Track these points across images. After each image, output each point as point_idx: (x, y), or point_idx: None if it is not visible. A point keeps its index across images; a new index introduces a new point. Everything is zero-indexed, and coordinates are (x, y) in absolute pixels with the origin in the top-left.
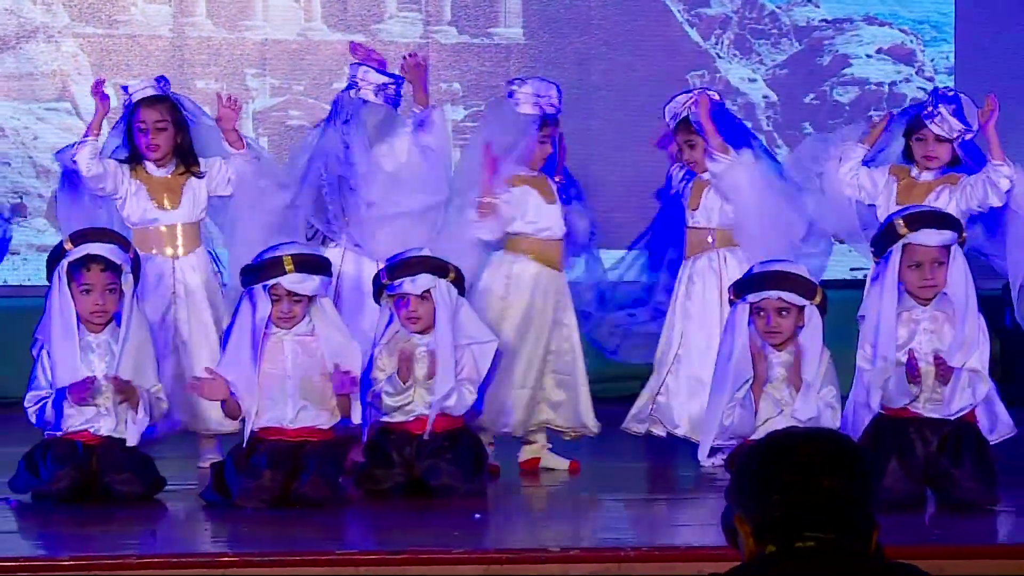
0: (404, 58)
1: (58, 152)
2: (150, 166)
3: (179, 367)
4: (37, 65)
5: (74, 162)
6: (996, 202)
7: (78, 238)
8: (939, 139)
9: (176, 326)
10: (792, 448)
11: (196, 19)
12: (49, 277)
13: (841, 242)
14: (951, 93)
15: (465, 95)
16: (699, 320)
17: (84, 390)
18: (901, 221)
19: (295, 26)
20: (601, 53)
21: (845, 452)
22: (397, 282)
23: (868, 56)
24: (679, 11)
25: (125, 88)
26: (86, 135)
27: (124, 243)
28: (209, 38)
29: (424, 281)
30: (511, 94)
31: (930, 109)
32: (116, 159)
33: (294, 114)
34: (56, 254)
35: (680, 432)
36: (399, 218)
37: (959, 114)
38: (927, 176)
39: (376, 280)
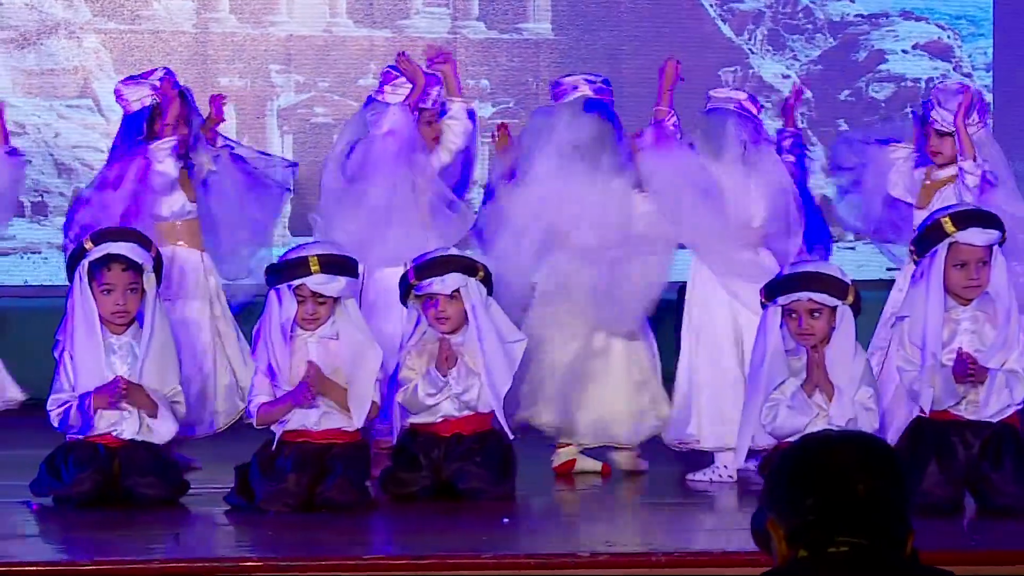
0: (397, 57)
1: (148, 144)
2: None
3: (220, 363)
4: (58, 61)
5: (160, 161)
6: (970, 198)
7: (98, 237)
8: (939, 133)
9: (214, 323)
10: (826, 451)
11: (220, 14)
12: (70, 277)
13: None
14: (955, 86)
15: (493, 92)
16: (695, 320)
17: (112, 393)
18: (948, 219)
19: (320, 21)
20: (631, 48)
21: (880, 455)
22: (426, 282)
23: (904, 52)
24: (711, 6)
25: (137, 79)
26: (161, 134)
27: (146, 242)
28: (233, 33)
29: (454, 280)
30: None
31: (930, 103)
32: None
33: (319, 111)
34: (76, 254)
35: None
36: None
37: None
38: (940, 173)
39: (403, 281)
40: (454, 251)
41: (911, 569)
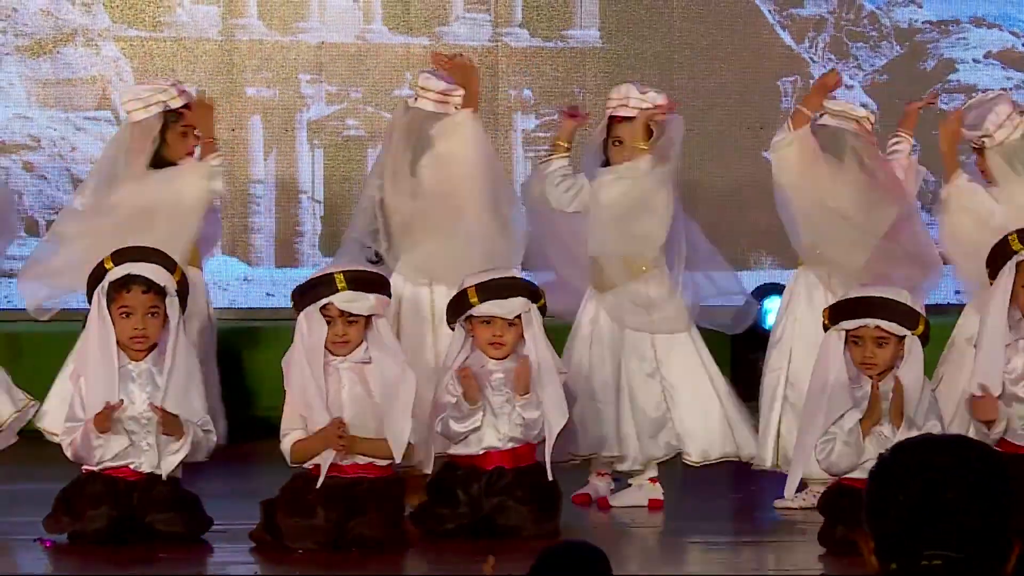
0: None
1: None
2: None
3: None
4: (76, 71)
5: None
6: None
7: (119, 257)
8: None
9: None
10: (914, 454)
11: (247, 21)
12: (89, 299)
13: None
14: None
15: (537, 102)
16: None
17: (106, 418)
18: (1015, 236)
19: (353, 28)
20: (684, 57)
21: (976, 459)
22: (485, 304)
23: (976, 61)
24: (770, 11)
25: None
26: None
27: (170, 264)
28: (261, 41)
29: (516, 305)
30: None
31: None
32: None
33: (352, 123)
34: (96, 274)
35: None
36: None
37: None
38: None
39: (457, 300)
40: (517, 274)
41: None
